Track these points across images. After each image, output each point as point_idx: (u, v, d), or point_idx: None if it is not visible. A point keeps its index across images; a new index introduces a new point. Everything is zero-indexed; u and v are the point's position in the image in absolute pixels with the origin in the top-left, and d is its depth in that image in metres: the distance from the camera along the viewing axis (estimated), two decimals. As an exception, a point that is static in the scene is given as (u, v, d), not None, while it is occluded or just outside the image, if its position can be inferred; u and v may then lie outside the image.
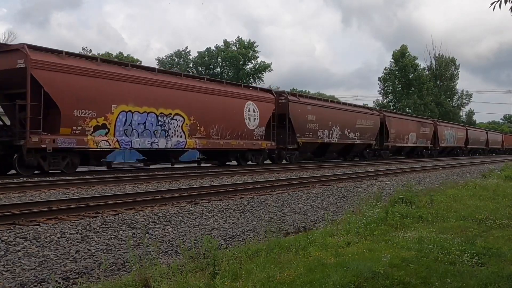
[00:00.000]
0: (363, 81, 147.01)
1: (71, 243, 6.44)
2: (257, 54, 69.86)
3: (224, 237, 7.35)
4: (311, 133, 26.65)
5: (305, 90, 75.84)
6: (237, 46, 69.02)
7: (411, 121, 41.81)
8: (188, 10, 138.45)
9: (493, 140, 66.31)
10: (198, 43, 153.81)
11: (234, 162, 24.04)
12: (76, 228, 7.00)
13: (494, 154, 65.82)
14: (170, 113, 18.61)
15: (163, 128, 18.34)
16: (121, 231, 7.20)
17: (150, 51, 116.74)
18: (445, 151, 49.89)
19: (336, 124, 29.11)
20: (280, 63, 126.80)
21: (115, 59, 47.45)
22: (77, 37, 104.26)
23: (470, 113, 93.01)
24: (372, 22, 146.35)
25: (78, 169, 17.50)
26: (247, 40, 69.86)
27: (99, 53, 55.41)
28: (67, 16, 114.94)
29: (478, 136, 60.54)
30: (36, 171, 15.16)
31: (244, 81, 63.79)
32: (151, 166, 19.87)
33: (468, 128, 58.10)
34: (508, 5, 5.11)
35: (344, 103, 34.32)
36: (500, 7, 5.24)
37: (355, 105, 35.05)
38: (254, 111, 23.09)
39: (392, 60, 73.30)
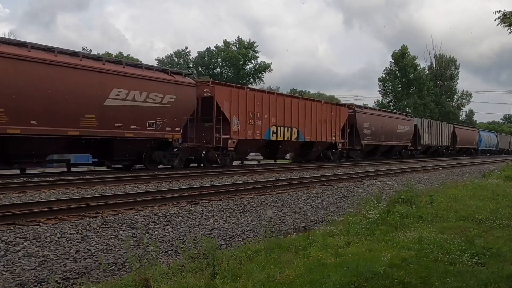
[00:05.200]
0: (365, 81, 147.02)
1: (71, 243, 6.43)
2: (257, 54, 69.92)
3: (224, 237, 7.35)
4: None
5: (306, 91, 75.91)
6: (237, 46, 69.03)
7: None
8: (190, 11, 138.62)
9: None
10: (201, 44, 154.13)
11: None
12: (76, 228, 7.00)
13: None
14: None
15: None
16: (121, 231, 7.19)
17: (153, 51, 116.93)
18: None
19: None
20: (283, 64, 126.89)
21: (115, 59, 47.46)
22: (80, 38, 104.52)
23: (470, 113, 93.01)
24: (373, 23, 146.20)
25: (78, 169, 17.56)
26: (247, 40, 69.92)
27: (99, 53, 55.37)
28: (74, 17, 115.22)
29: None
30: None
31: (244, 81, 63.75)
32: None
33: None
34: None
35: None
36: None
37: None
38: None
39: (392, 60, 73.33)
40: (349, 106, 32.07)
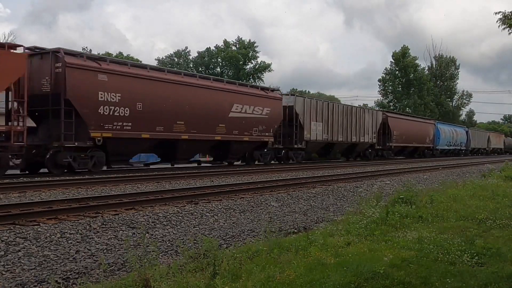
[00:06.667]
0: (366, 81, 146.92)
1: (71, 243, 6.43)
2: (258, 54, 69.87)
3: (224, 237, 7.35)
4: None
5: (306, 90, 75.91)
6: (237, 46, 68.99)
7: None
8: (191, 11, 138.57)
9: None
10: (202, 44, 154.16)
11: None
12: (76, 228, 7.00)
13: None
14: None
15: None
16: (121, 231, 7.19)
17: (154, 52, 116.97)
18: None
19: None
20: (283, 64, 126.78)
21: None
22: (82, 38, 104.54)
23: (470, 113, 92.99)
24: (374, 23, 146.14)
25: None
26: (247, 40, 69.89)
27: (99, 53, 55.33)
28: (75, 17, 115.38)
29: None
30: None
31: (244, 81, 63.73)
32: (151, 166, 19.99)
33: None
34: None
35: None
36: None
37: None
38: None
39: (393, 60, 73.36)
40: (54, 52, 14.64)
